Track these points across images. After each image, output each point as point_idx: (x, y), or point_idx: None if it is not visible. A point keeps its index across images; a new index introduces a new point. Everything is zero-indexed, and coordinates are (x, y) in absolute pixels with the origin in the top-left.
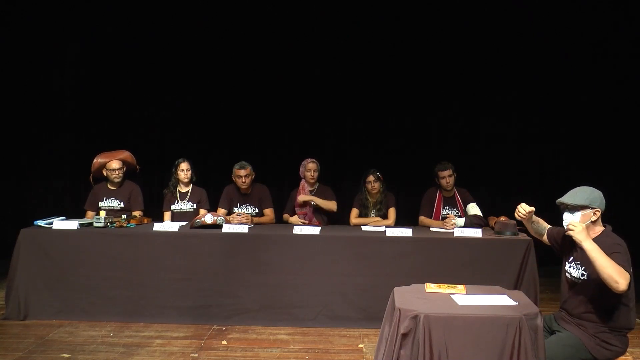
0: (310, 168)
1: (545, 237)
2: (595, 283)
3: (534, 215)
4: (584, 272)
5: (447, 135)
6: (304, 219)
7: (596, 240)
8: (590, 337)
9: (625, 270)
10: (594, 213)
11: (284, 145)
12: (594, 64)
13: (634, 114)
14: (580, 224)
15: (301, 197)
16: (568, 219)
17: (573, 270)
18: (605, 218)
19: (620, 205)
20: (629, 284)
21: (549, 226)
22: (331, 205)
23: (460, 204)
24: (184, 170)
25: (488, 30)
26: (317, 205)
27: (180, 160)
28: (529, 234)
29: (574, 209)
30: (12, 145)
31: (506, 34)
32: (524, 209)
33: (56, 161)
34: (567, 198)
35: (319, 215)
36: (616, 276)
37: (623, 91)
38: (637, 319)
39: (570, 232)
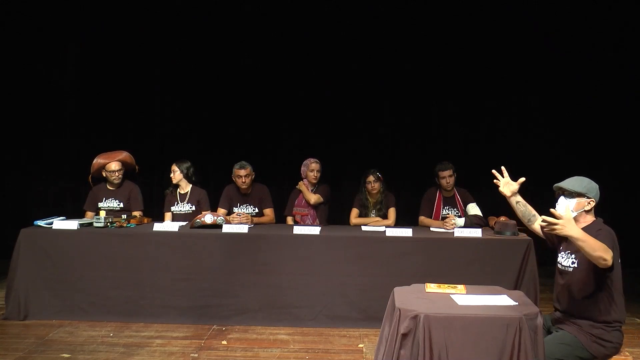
0: (313, 168)
1: (535, 226)
2: (583, 271)
3: (519, 195)
4: (574, 260)
5: (447, 135)
6: (306, 219)
7: (586, 228)
8: (586, 335)
9: (608, 247)
10: (589, 202)
11: (284, 145)
12: (595, 62)
13: (636, 113)
14: (564, 216)
15: (313, 197)
16: (562, 203)
17: (564, 259)
18: (603, 216)
19: (620, 204)
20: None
21: (541, 216)
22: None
23: (460, 204)
24: (172, 172)
25: (488, 28)
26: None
27: (174, 162)
28: (526, 231)
29: (570, 195)
30: (12, 145)
31: (506, 33)
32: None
33: (56, 161)
34: (565, 183)
35: (321, 217)
36: (604, 254)
37: (624, 90)
38: (636, 318)
39: (558, 231)
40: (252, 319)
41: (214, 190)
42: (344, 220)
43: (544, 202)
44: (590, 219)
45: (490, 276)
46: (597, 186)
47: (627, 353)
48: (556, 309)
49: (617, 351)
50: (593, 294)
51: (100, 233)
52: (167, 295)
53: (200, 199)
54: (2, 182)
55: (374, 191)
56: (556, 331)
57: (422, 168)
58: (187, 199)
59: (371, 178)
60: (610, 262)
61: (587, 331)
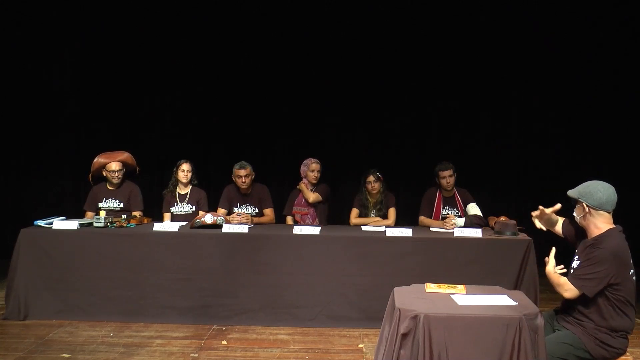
0: (314, 168)
1: (558, 228)
2: None
3: (553, 215)
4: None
5: (447, 135)
6: (306, 219)
7: (595, 239)
8: (589, 337)
9: (580, 282)
10: (583, 207)
11: (284, 144)
12: (596, 63)
13: (635, 113)
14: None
15: (312, 195)
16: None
17: (574, 263)
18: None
19: (620, 204)
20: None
21: (563, 218)
22: (316, 197)
23: (460, 204)
24: (184, 170)
25: (489, 28)
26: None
27: (182, 160)
28: (527, 231)
29: (573, 201)
30: (12, 145)
31: (507, 33)
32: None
33: (56, 161)
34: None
35: (321, 216)
36: (562, 292)
37: (624, 91)
38: (637, 318)
39: None
40: (252, 319)
41: (214, 190)
42: (344, 220)
43: (544, 202)
44: (604, 226)
45: (490, 276)
46: (601, 191)
47: (627, 353)
48: (563, 307)
49: (619, 356)
50: (595, 302)
51: (100, 233)
52: (167, 295)
53: (200, 200)
54: (2, 182)
55: (374, 191)
56: (559, 329)
57: (422, 168)
58: (186, 199)
59: (371, 178)
60: (571, 295)
61: (591, 334)
